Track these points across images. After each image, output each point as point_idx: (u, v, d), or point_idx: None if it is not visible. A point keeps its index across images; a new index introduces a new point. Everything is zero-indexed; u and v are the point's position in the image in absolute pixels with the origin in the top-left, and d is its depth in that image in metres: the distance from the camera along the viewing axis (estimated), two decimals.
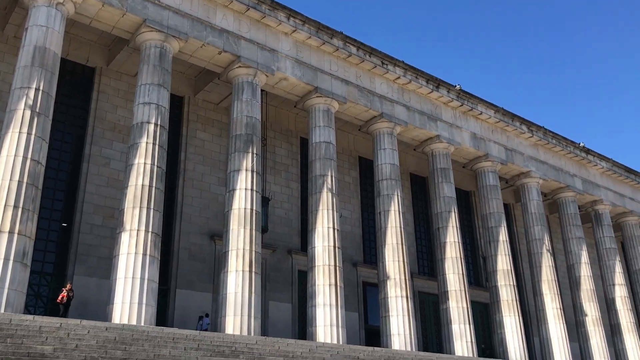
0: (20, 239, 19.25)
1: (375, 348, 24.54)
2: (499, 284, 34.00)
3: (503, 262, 34.39)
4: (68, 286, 22.66)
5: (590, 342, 37.43)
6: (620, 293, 41.31)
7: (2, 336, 14.74)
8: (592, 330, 37.73)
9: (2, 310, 17.77)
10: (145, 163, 23.07)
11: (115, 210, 25.92)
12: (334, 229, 27.45)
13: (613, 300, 41.33)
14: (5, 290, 18.41)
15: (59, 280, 25.47)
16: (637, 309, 44.22)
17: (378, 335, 29.48)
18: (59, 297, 22.49)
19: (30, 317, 17.19)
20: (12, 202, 19.47)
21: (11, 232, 19.11)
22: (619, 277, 41.77)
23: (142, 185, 22.70)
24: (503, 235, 35.13)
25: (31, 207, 19.95)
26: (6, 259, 18.74)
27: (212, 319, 27.06)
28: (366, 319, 34.00)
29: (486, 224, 35.84)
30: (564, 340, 35.00)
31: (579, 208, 42.46)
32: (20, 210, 19.51)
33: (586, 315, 38.16)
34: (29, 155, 20.30)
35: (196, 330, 23.31)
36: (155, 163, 23.26)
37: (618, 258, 42.49)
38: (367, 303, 34.45)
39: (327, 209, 27.74)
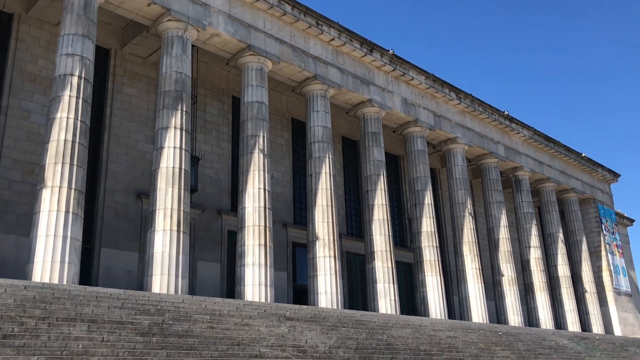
0: None
1: (302, 306, 25.05)
2: (422, 245, 35.28)
3: (427, 225, 35.64)
4: None
5: (506, 301, 39.67)
6: (535, 255, 43.83)
7: None
8: (507, 289, 39.95)
9: None
10: (68, 117, 22.12)
11: (36, 166, 24.85)
12: (264, 189, 27.45)
13: (528, 262, 43.82)
14: None
15: None
16: (549, 269, 47.08)
17: (306, 294, 30.07)
18: None
19: None
20: None
21: None
22: (534, 240, 44.24)
23: (65, 140, 21.82)
24: (428, 199, 36.30)
25: None
26: None
27: (138, 279, 26.74)
28: (295, 279, 34.54)
29: (413, 187, 36.86)
30: (482, 299, 36.94)
31: (500, 174, 44.35)
32: None
33: (503, 275, 40.31)
34: None
35: None
36: (79, 118, 22.35)
37: (534, 222, 44.90)
38: (296, 263, 34.96)
39: (258, 170, 27.65)
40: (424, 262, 34.88)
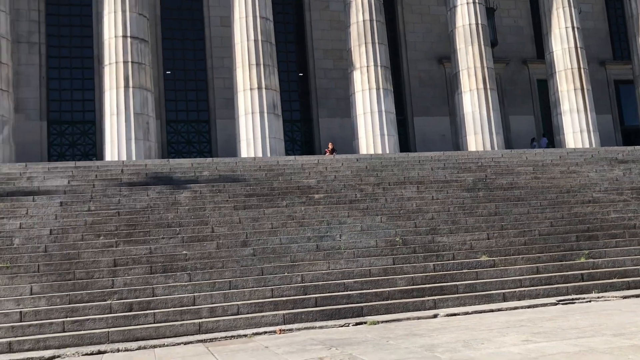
0: (269, 93, 21.29)
1: (635, 147, 22.59)
2: None
3: None
4: (330, 146, 23.44)
5: None
6: None
7: (275, 175, 17.03)
8: None
9: (269, 155, 20.37)
10: None
11: (343, 52, 26.74)
12: (573, 27, 24.76)
13: None
14: (267, 139, 20.98)
15: (308, 124, 28.00)
16: None
17: (638, 136, 26.98)
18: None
19: (292, 157, 19.42)
20: (254, 61, 21.36)
21: (259, 87, 21.19)
22: None
23: (363, 20, 22.89)
24: None
25: (270, 62, 21.67)
26: (261, 112, 21.06)
27: (452, 141, 27.52)
28: (621, 120, 31.17)
29: None
30: None
31: None
32: (262, 67, 21.35)
33: None
34: (258, 14, 21.65)
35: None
36: None
37: None
38: (620, 103, 31.36)
39: (563, 7, 24.91)
40: None
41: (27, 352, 8.58)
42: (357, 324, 9.59)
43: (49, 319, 9.48)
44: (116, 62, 19.85)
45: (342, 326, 9.52)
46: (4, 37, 19.68)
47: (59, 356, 8.36)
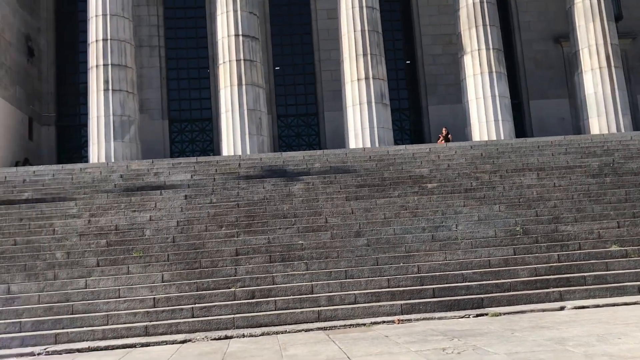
0: (376, 83, 21.19)
1: None
2: None
3: None
4: (444, 132, 23.02)
5: None
6: None
7: (385, 165, 16.93)
8: None
9: (377, 145, 20.29)
10: None
11: (452, 36, 26.01)
12: None
13: None
14: (376, 129, 20.90)
15: (416, 112, 27.58)
16: None
17: None
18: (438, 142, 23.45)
19: (402, 147, 19.22)
20: (360, 51, 21.34)
21: (367, 78, 21.15)
22: None
23: (473, 3, 22.11)
24: None
25: (377, 52, 21.56)
26: (369, 103, 21.01)
27: (572, 124, 25.94)
28: None
29: None
30: None
31: None
32: (369, 57, 21.29)
33: None
34: (364, 4, 21.58)
35: None
36: None
37: None
38: None
39: None
40: None
41: (161, 335, 9.17)
42: (477, 315, 9.33)
43: (179, 305, 10.07)
44: (229, 61, 20.65)
45: (461, 317, 9.30)
46: (128, 42, 21.10)
47: (190, 340, 8.86)
